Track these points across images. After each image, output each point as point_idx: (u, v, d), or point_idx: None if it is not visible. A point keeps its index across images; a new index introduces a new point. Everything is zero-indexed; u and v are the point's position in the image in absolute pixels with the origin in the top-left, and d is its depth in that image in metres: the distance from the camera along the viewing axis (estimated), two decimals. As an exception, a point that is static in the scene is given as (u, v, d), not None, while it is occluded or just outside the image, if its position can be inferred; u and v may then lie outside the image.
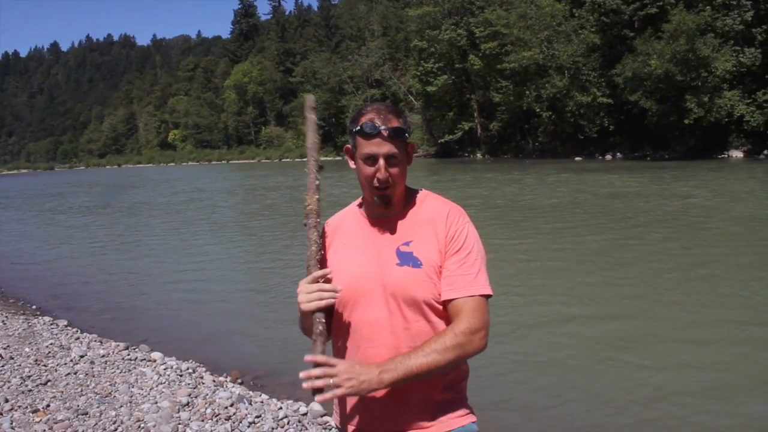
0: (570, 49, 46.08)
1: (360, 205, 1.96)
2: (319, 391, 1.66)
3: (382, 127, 1.78)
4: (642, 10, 42.94)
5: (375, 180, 1.80)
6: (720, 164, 32.89)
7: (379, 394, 1.77)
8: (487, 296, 1.80)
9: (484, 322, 1.76)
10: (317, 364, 1.67)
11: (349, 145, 1.89)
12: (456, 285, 1.78)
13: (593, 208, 17.37)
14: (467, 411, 1.86)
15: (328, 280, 1.78)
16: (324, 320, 1.75)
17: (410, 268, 1.79)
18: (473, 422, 1.86)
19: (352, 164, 1.90)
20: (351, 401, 1.86)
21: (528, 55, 47.65)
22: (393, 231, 1.86)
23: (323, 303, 1.74)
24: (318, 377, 1.65)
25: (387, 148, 1.78)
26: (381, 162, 1.78)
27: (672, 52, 38.13)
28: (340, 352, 1.89)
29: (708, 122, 38.32)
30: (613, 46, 45.43)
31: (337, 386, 1.65)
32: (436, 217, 1.85)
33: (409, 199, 1.91)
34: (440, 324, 1.80)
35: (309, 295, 1.76)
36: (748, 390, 5.21)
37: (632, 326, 6.90)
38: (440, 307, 1.80)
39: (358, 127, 1.80)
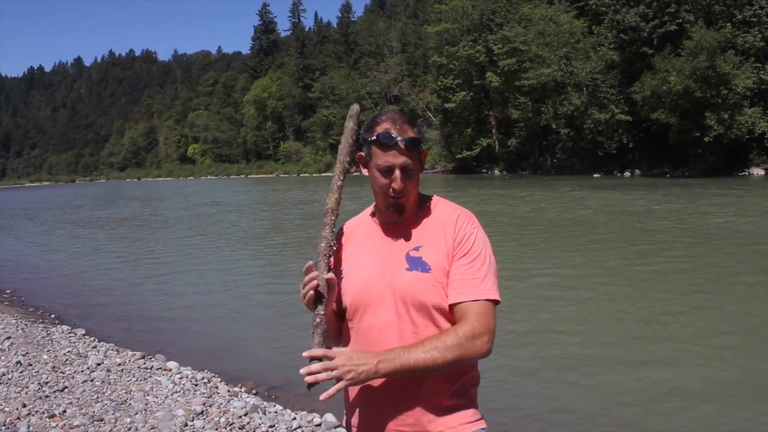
0: (588, 66, 46.01)
1: (373, 214, 1.96)
2: (312, 385, 1.69)
3: (399, 138, 1.77)
4: (661, 28, 42.82)
5: (390, 190, 1.80)
6: (740, 182, 32.56)
7: (388, 398, 1.78)
8: (495, 302, 1.79)
9: (489, 327, 1.74)
10: (316, 359, 1.70)
11: (362, 153, 1.88)
12: (461, 288, 1.77)
13: (610, 225, 17.26)
14: (477, 417, 1.84)
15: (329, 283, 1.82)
16: (322, 312, 1.80)
17: (419, 272, 1.79)
18: (483, 429, 1.84)
19: (365, 172, 1.90)
20: (359, 404, 1.86)
21: (546, 72, 47.63)
22: (404, 237, 1.86)
23: (311, 293, 1.82)
24: (318, 371, 1.67)
25: (403, 159, 1.78)
26: (397, 173, 1.78)
27: (692, 69, 37.93)
28: None
29: (728, 139, 37.98)
30: (631, 63, 45.29)
31: (338, 379, 1.67)
32: (446, 222, 1.84)
33: (421, 205, 1.91)
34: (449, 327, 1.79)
35: (303, 289, 1.85)
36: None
37: (643, 344, 6.84)
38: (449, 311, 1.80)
39: (374, 137, 1.79)
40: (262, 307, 9.58)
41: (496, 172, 57.09)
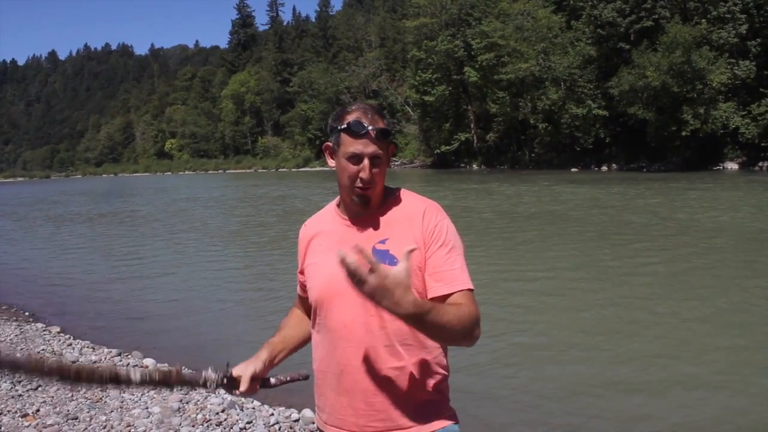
0: (566, 61, 46.34)
1: (338, 205, 1.94)
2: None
3: (370, 128, 1.75)
4: (638, 23, 43.25)
5: (358, 180, 1.78)
6: (716, 176, 33.00)
7: (359, 392, 1.76)
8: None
9: (477, 313, 1.73)
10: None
11: (329, 143, 1.86)
12: (446, 280, 1.75)
13: (588, 219, 17.40)
14: (449, 412, 1.83)
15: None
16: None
17: (387, 265, 1.76)
18: (455, 423, 1.82)
19: (331, 162, 1.87)
20: (331, 400, 1.83)
21: (524, 67, 47.87)
22: (369, 230, 1.83)
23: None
24: (355, 269, 1.45)
25: (373, 148, 1.76)
26: (366, 162, 1.76)
27: (669, 64, 38.35)
28: (318, 352, 1.88)
29: (705, 133, 38.48)
30: (609, 59, 45.68)
31: (370, 294, 1.47)
32: (413, 215, 1.82)
33: (386, 197, 1.88)
34: None
35: None
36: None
37: (619, 340, 6.91)
38: None
39: (345, 125, 1.77)
40: (239, 304, 9.52)
41: (475, 166, 57.31)
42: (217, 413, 4.78)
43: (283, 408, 5.05)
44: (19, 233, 22.15)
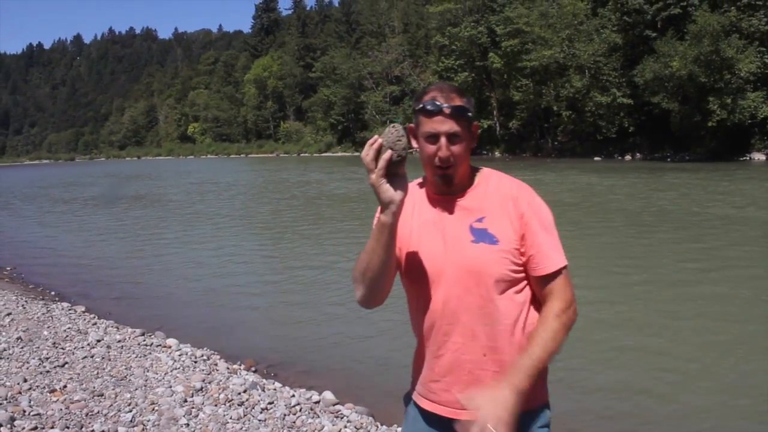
0: (591, 49, 45.68)
1: (420, 185, 1.93)
2: None
3: (444, 105, 1.75)
4: (665, 11, 42.45)
5: (437, 159, 1.78)
6: (742, 167, 32.48)
7: (460, 379, 1.81)
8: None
9: (572, 292, 1.81)
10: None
11: (412, 125, 1.85)
12: (541, 262, 1.79)
13: (618, 209, 17.26)
14: (545, 393, 1.89)
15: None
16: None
17: (486, 244, 1.77)
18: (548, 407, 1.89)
19: (415, 144, 1.86)
20: (430, 377, 1.88)
21: (548, 54, 47.32)
22: (463, 208, 1.84)
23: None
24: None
25: (448, 125, 1.76)
26: (442, 140, 1.76)
27: (695, 54, 37.54)
28: (420, 335, 1.90)
29: (732, 123, 37.71)
30: (634, 46, 44.96)
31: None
32: (507, 194, 1.84)
33: (473, 176, 1.89)
34: (516, 300, 1.80)
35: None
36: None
37: (640, 329, 6.87)
38: (517, 284, 1.80)
39: (420, 106, 1.79)
40: (261, 286, 9.61)
41: (497, 153, 56.96)
42: (239, 393, 4.85)
43: (303, 390, 5.12)
44: (44, 216, 22.47)
